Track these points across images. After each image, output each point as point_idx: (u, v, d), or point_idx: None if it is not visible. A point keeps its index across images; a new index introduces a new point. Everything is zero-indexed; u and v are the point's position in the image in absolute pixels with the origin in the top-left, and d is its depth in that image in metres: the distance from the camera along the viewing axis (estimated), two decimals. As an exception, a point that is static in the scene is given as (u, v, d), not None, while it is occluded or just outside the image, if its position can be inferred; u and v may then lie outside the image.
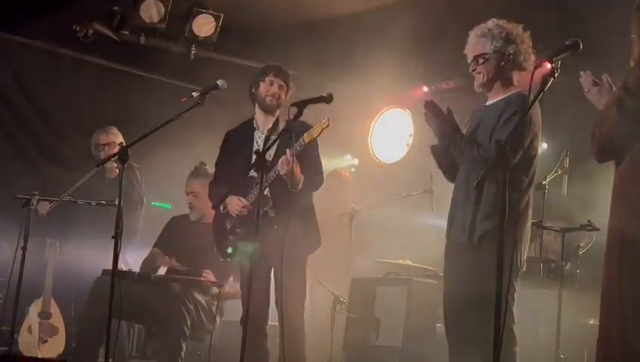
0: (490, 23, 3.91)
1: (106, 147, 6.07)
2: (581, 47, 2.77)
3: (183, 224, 5.91)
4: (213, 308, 5.46)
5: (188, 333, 5.23)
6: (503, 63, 3.85)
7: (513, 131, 3.61)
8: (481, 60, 3.89)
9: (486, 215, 3.78)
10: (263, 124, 4.74)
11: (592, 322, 5.75)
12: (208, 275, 5.45)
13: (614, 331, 3.12)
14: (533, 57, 3.89)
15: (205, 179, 5.61)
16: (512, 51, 3.85)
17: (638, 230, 3.12)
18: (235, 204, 4.63)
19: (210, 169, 5.59)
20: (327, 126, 4.29)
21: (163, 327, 5.35)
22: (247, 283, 3.84)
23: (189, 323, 5.24)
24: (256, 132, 4.74)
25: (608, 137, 3.20)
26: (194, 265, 5.55)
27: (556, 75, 2.71)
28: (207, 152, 6.01)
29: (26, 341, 5.76)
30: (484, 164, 3.66)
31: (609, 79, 3.33)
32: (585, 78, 3.40)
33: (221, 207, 4.74)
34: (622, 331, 3.09)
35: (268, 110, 4.70)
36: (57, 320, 5.90)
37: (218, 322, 5.60)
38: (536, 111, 3.83)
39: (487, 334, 3.77)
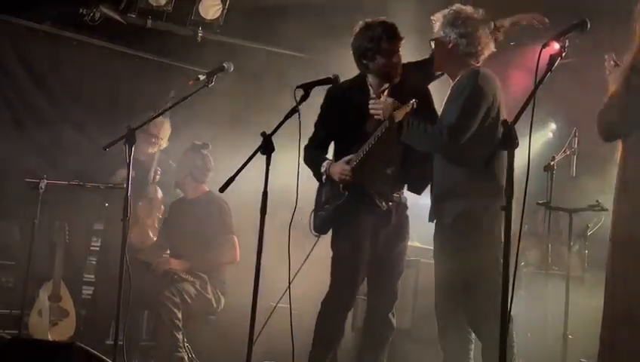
0: (450, 7, 4.05)
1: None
2: (589, 26, 2.74)
3: (175, 205, 6.02)
4: (207, 292, 5.54)
5: (180, 324, 5.37)
6: (451, 48, 3.95)
7: (460, 111, 3.74)
8: (432, 44, 4.06)
9: (457, 195, 3.86)
10: (377, 86, 4.37)
11: (600, 303, 5.74)
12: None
13: (619, 305, 3.13)
14: (486, 45, 3.97)
15: (192, 153, 5.70)
16: (457, 37, 3.96)
17: (633, 208, 3.12)
18: (340, 168, 4.24)
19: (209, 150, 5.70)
20: (413, 108, 3.96)
21: (156, 320, 5.51)
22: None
23: (179, 315, 5.36)
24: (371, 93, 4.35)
25: (616, 116, 3.19)
26: (183, 245, 5.68)
27: (563, 54, 2.68)
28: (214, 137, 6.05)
29: (36, 324, 5.79)
30: (437, 147, 3.88)
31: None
32: (608, 61, 3.39)
33: (322, 174, 4.34)
34: (626, 305, 3.10)
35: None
36: (67, 302, 5.93)
37: (222, 303, 5.66)
38: (487, 81, 3.85)
39: (475, 315, 3.84)
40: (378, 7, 6.06)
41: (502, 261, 3.74)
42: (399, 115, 3.96)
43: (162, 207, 6.05)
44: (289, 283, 3.97)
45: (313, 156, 4.38)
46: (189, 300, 5.46)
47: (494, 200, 3.67)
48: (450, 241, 3.92)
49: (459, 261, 3.86)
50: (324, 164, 4.30)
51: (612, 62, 3.40)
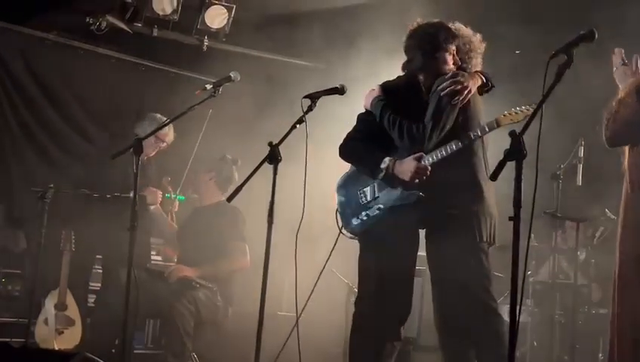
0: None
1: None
2: (596, 36, 2.74)
3: (191, 213, 6.05)
4: (217, 300, 5.55)
5: (191, 332, 5.35)
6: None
7: (434, 110, 3.83)
8: None
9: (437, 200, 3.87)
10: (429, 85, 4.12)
11: (607, 312, 5.74)
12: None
13: (628, 314, 3.13)
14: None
15: (222, 163, 5.73)
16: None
17: None
18: (415, 165, 3.87)
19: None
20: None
21: (167, 326, 5.48)
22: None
23: (192, 322, 5.34)
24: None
25: (625, 122, 3.18)
26: (198, 253, 5.67)
27: (571, 65, 2.69)
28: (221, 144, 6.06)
29: (43, 333, 5.79)
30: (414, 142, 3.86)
31: (639, 62, 3.31)
32: (617, 56, 3.38)
33: (381, 170, 3.98)
34: (634, 314, 3.10)
35: None
36: (73, 311, 5.92)
37: (229, 313, 5.66)
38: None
39: (468, 323, 3.84)
40: (381, 17, 6.12)
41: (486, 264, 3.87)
42: (504, 120, 3.83)
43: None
44: (295, 292, 3.96)
45: (365, 149, 4.07)
46: (202, 310, 5.45)
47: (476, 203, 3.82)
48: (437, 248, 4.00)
49: (443, 267, 3.95)
50: (386, 160, 3.95)
51: (620, 60, 3.39)
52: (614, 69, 3.39)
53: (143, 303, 4.97)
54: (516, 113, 3.81)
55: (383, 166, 3.94)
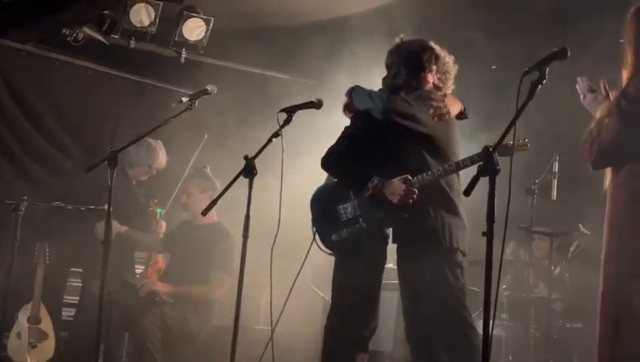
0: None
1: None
2: (569, 54, 2.78)
3: (182, 227, 6.01)
4: (190, 316, 5.53)
5: (160, 347, 5.32)
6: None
7: None
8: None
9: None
10: None
11: (580, 326, 5.78)
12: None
13: (608, 331, 3.15)
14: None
15: (201, 180, 5.71)
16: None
17: (634, 233, 3.15)
18: (404, 187, 3.85)
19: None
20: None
21: (137, 342, 5.46)
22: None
23: (159, 336, 5.33)
24: None
25: (609, 144, 3.21)
26: (178, 268, 5.65)
27: (544, 81, 2.72)
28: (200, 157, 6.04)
29: (16, 346, 5.74)
30: None
31: (607, 86, 3.35)
32: (581, 84, 3.41)
33: (368, 189, 3.93)
34: (614, 332, 3.13)
35: None
36: (47, 325, 5.87)
37: (204, 331, 5.63)
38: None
39: (443, 336, 3.86)
40: (364, 26, 6.15)
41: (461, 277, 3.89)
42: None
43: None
44: (270, 305, 3.96)
45: (353, 165, 4.03)
46: (170, 324, 5.42)
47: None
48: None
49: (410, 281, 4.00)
50: (375, 179, 3.90)
51: (586, 87, 3.42)
52: (581, 97, 3.42)
53: (116, 317, 4.94)
54: (507, 147, 3.73)
55: (370, 185, 3.92)
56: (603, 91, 3.34)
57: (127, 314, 5.25)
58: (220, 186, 5.76)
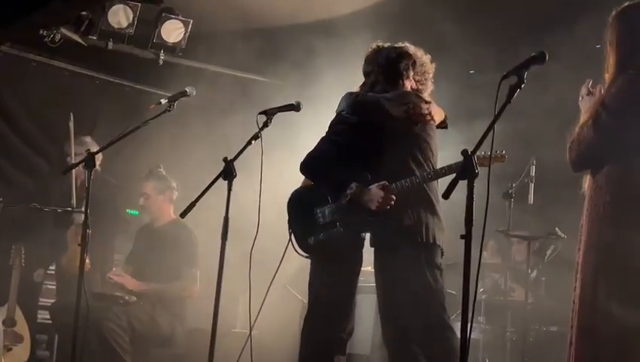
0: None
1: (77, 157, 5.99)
2: (547, 58, 2.79)
3: (142, 232, 5.98)
4: (157, 315, 5.49)
5: (128, 347, 5.27)
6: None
7: None
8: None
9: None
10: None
11: (556, 329, 5.83)
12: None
13: (588, 334, 3.19)
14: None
15: (157, 182, 5.69)
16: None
17: (613, 238, 3.18)
18: (383, 194, 3.85)
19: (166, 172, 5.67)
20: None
21: (102, 343, 5.35)
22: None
23: (126, 338, 5.28)
24: None
25: (586, 148, 3.26)
26: (146, 272, 5.62)
27: (522, 86, 2.73)
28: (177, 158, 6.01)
29: (-10, 349, 5.68)
30: None
31: (602, 90, 3.38)
32: (584, 86, 3.46)
33: (346, 195, 3.91)
34: (595, 333, 3.16)
35: None
36: (22, 327, 5.82)
37: (177, 332, 5.60)
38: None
39: (422, 339, 3.87)
40: (344, 32, 6.16)
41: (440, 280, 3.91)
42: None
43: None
44: (249, 308, 3.95)
45: (332, 170, 4.02)
46: (136, 325, 5.36)
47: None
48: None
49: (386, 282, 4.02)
50: (353, 185, 3.89)
51: (586, 90, 3.46)
52: (580, 98, 3.47)
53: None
54: (484, 157, 3.76)
55: (349, 191, 3.91)
56: (597, 95, 3.38)
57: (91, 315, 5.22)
58: (175, 185, 5.82)
